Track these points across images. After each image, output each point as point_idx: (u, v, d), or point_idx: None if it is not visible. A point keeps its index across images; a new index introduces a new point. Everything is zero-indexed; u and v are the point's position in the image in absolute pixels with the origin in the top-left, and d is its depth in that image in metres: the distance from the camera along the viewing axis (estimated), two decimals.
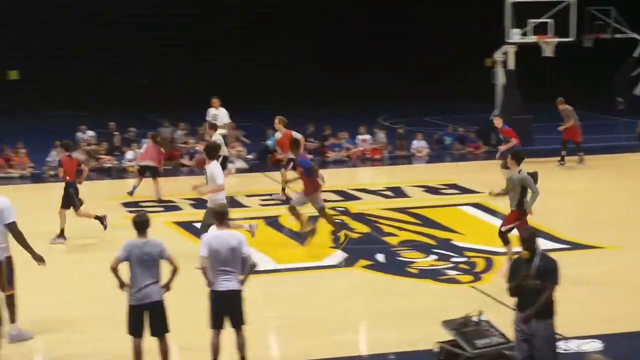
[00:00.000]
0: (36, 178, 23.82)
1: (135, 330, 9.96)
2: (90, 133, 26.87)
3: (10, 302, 11.25)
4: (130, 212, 18.08)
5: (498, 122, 21.07)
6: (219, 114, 23.04)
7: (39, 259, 11.44)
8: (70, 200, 16.73)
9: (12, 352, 10.97)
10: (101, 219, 17.07)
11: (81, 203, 16.89)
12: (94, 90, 36.24)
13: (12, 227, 11.14)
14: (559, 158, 24.03)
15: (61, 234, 16.60)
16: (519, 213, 13.81)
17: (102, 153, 25.64)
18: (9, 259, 11.24)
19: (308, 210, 16.34)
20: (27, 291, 12.08)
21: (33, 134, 28.12)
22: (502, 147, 20.49)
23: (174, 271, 10.01)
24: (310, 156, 20.60)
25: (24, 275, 11.86)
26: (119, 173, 24.63)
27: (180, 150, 25.88)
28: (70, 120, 29.93)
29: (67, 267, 14.97)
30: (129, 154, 24.94)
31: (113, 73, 37.32)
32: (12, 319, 11.30)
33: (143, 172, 20.75)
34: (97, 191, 21.15)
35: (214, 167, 14.55)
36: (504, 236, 14.05)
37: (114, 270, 9.89)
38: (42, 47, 36.85)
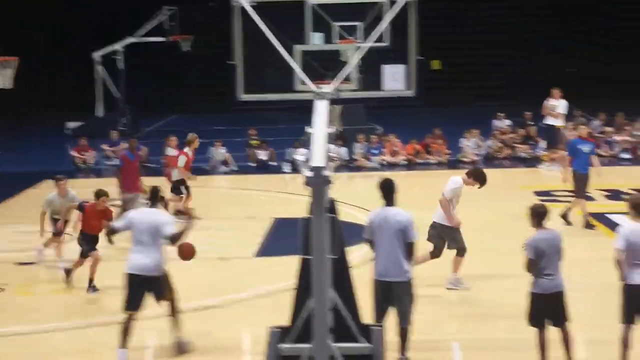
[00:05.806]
0: (452, 164, 24.62)
1: (538, 321, 9.82)
2: (507, 122, 27.15)
3: None
4: (542, 201, 17.94)
5: None
6: (558, 105, 22.89)
7: None
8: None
9: None
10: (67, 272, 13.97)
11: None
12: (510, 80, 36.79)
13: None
14: None
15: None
16: None
17: (518, 142, 25.81)
18: None
19: None
20: None
21: (450, 122, 28.98)
22: None
23: None
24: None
25: None
26: (533, 162, 24.68)
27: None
28: (486, 109, 30.42)
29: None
30: (543, 144, 24.87)
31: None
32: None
33: None
34: (511, 179, 21.74)
35: None
36: None
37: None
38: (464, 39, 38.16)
